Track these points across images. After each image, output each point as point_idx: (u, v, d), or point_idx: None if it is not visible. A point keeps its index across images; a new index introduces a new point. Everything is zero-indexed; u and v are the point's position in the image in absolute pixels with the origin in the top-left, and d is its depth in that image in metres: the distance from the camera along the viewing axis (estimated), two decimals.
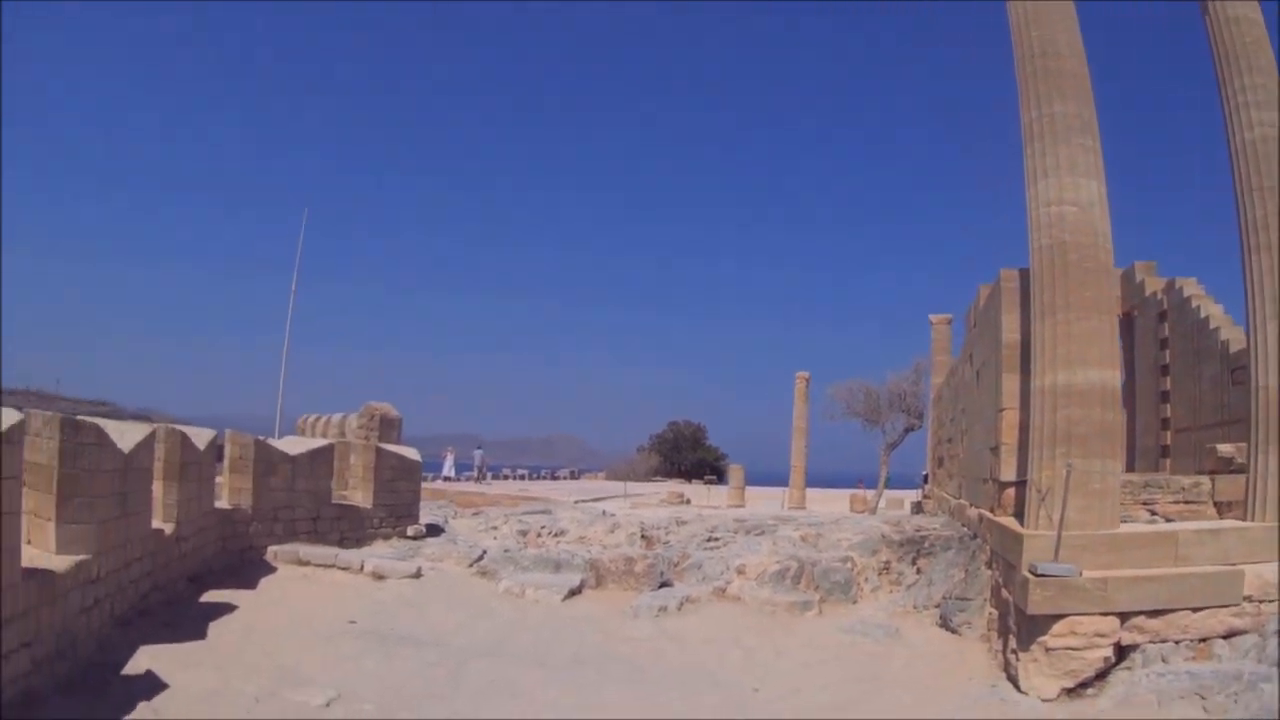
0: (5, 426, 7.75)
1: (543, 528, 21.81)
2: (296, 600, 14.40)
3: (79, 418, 10.15)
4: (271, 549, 16.91)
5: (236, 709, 9.08)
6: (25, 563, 8.52)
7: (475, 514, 25.15)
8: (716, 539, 19.14)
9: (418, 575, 16.63)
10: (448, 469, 49.58)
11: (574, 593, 16.02)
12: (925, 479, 34.17)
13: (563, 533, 21.52)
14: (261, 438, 17.84)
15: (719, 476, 65.87)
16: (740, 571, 16.19)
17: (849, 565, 16.43)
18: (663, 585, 16.42)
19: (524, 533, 21.46)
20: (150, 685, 9.35)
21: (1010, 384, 12.86)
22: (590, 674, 11.56)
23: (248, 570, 15.81)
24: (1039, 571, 10.34)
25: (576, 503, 30.14)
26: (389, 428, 30.25)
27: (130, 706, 8.62)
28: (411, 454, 21.30)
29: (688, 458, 79.40)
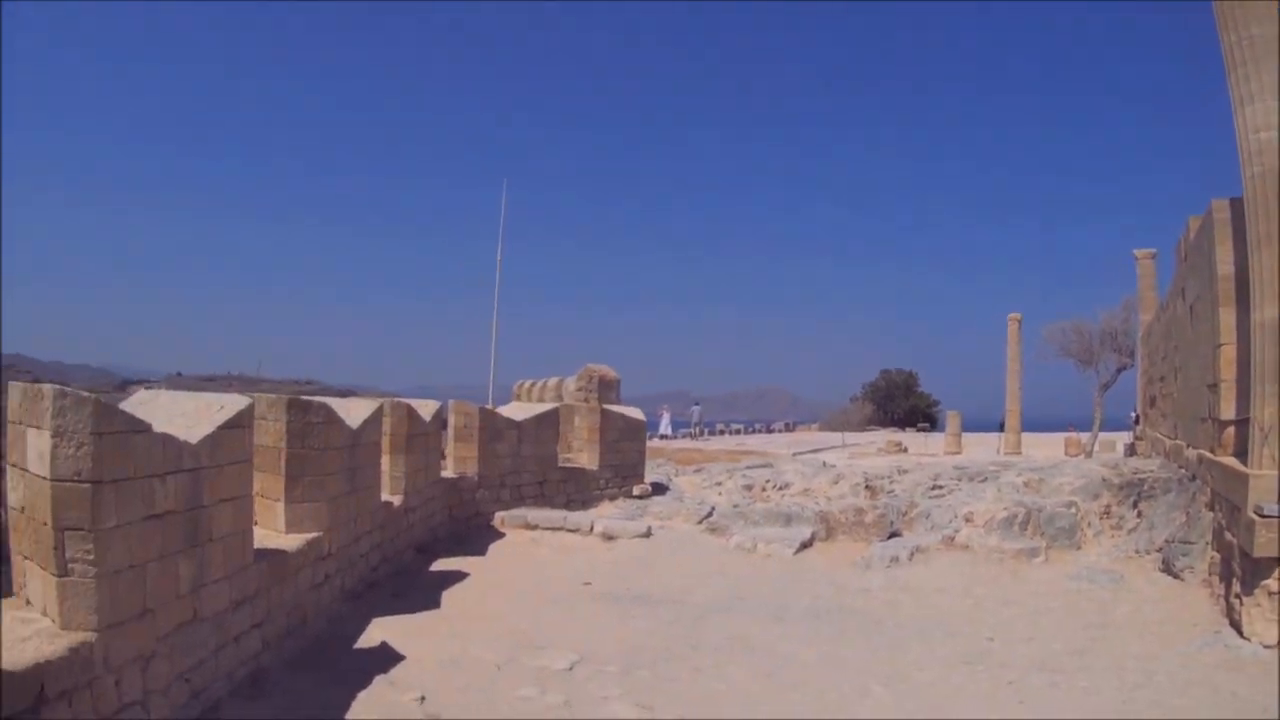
0: (234, 412, 7.61)
1: (767, 481, 21.28)
2: (527, 565, 14.30)
3: (306, 398, 10.05)
4: (499, 515, 16.89)
5: (478, 677, 8.80)
6: (255, 543, 8.44)
7: (697, 470, 24.85)
8: (940, 487, 18.36)
9: (648, 534, 16.33)
10: (664, 427, 49.25)
11: (805, 546, 15.46)
12: (1135, 420, 32.13)
13: (787, 486, 20.96)
14: (486, 406, 17.81)
15: (932, 424, 63.83)
16: (968, 519, 15.45)
17: (1073, 510, 15.55)
18: (892, 535, 15.80)
19: (748, 487, 21.01)
20: (385, 657, 9.16)
21: (1227, 318, 11.85)
22: (827, 627, 11.16)
23: (475, 537, 15.83)
24: (1265, 513, 9.39)
25: (795, 455, 29.46)
26: (608, 389, 30.03)
27: (366, 680, 8.38)
28: (635, 414, 21.18)
29: (900, 406, 76.84)
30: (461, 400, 17.33)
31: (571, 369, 31.87)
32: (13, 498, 6.13)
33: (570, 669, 9.17)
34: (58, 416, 5.63)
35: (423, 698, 8.04)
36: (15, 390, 6.01)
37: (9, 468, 6.15)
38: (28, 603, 6.08)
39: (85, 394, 5.75)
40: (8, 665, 5.07)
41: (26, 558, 6.06)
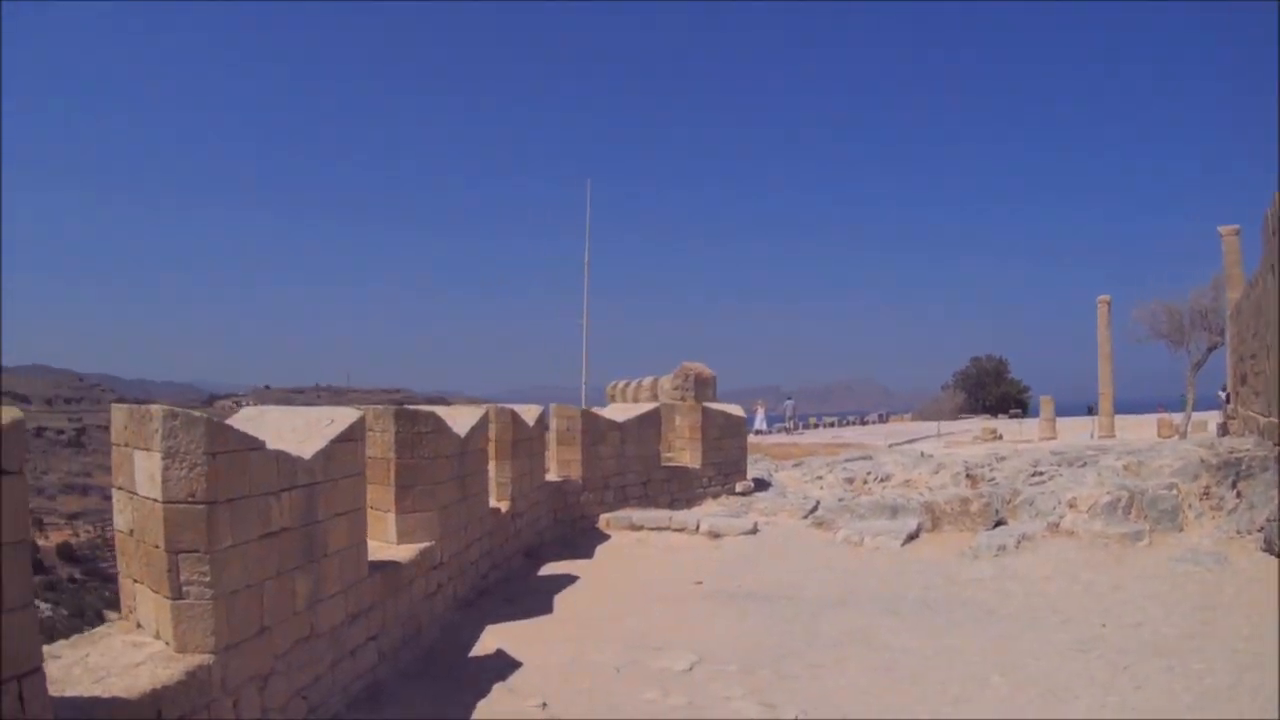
0: (346, 425, 7.40)
1: (868, 474, 20.94)
2: (635, 566, 14.06)
3: (414, 407, 9.86)
4: (604, 516, 16.65)
5: (598, 681, 8.58)
6: (369, 556, 8.23)
7: (796, 465, 24.60)
8: (1041, 473, 17.72)
9: (754, 531, 15.97)
10: (759, 422, 48.48)
11: (911, 537, 15.07)
12: (1226, 398, 30.89)
13: (887, 478, 20.57)
14: (587, 408, 17.58)
15: (1023, 410, 62.20)
16: (1071, 505, 14.93)
17: (1174, 492, 14.89)
18: (997, 524, 15.31)
19: (850, 480, 20.70)
20: (502, 664, 8.94)
21: None
22: (940, 618, 10.90)
23: (581, 540, 15.61)
24: None
25: (891, 446, 28.94)
26: (704, 386, 29.60)
27: (484, 688, 8.19)
28: (735, 410, 20.97)
29: (991, 393, 74.89)
30: (562, 404, 17.10)
31: (658, 368, 31.49)
32: (120, 521, 5.95)
33: (690, 670, 8.95)
34: (168, 438, 5.42)
35: (544, 704, 7.85)
36: (120, 412, 5.81)
37: (115, 491, 5.96)
38: (138, 626, 5.90)
39: (196, 414, 5.53)
40: (123, 693, 4.89)
41: (136, 581, 5.87)
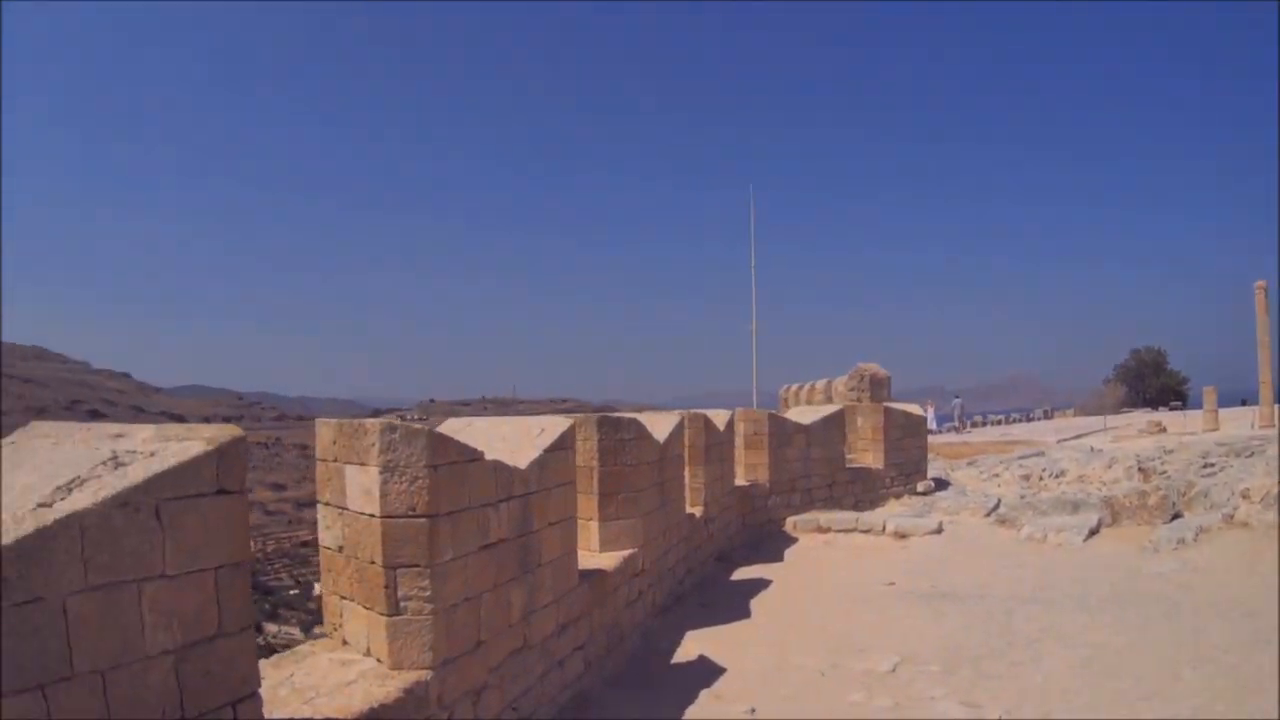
0: (557, 434, 6.88)
1: (1043, 470, 19.90)
2: (826, 568, 13.38)
3: (616, 415, 9.32)
4: (790, 519, 16.00)
5: (803, 684, 8.10)
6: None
7: (970, 464, 23.68)
8: (1211, 464, 16.72)
9: (939, 531, 15.21)
10: (929, 422, 46.70)
11: (1093, 532, 14.28)
12: None
13: (1062, 473, 19.49)
14: (772, 412, 16.86)
15: (1183, 402, 58.28)
16: (1244, 496, 13.87)
17: None
18: (1174, 517, 14.45)
19: (1026, 477, 19.80)
20: (706, 670, 8.41)
21: None
22: (1129, 613, 10.23)
23: (769, 543, 14.96)
24: None
25: (1059, 442, 27.38)
26: (879, 387, 28.46)
27: (690, 695, 7.74)
28: (915, 410, 20.29)
29: (1151, 385, 69.88)
30: (747, 408, 16.44)
31: (825, 371, 30.46)
32: (327, 538, 5.50)
33: (893, 670, 8.47)
34: (386, 451, 4.94)
35: (753, 710, 7.40)
36: (328, 428, 5.35)
37: (321, 507, 5.50)
38: (344, 643, 5.45)
39: (417, 426, 5.03)
40: (337, 713, 4.42)
41: (344, 598, 5.42)
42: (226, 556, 3.64)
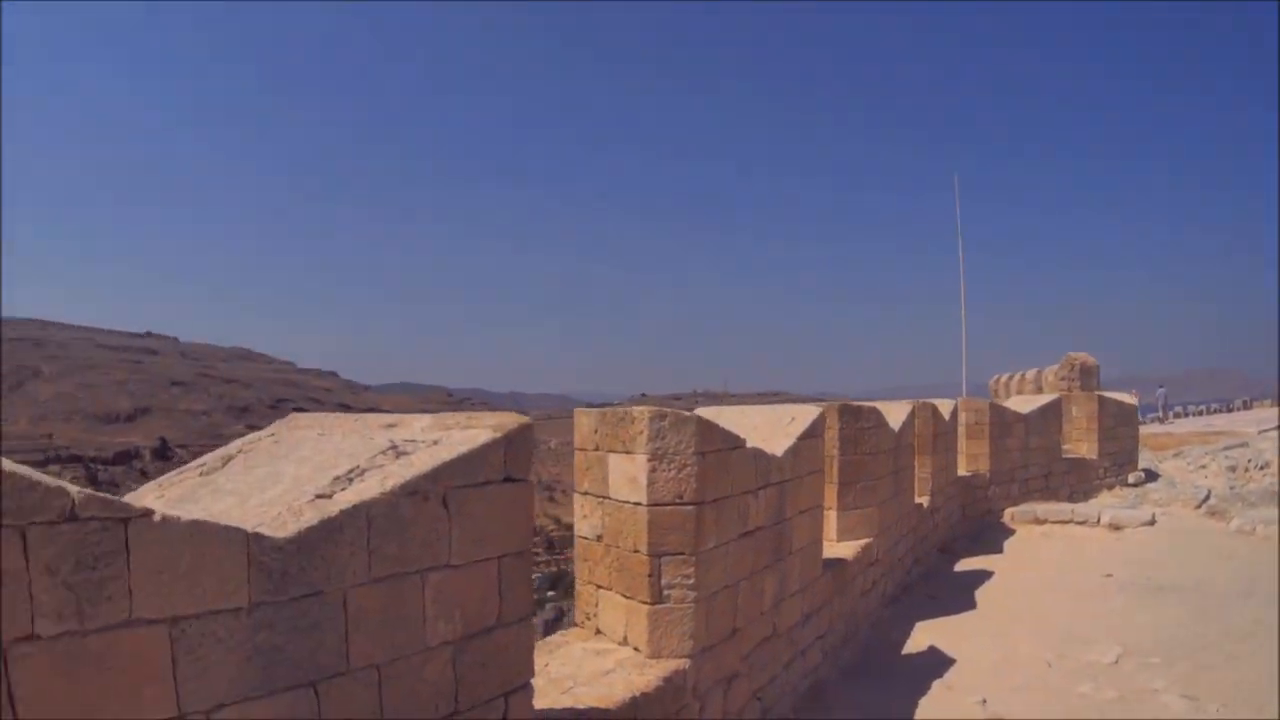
0: (808, 422, 6.44)
1: (1249, 461, 18.56)
2: (1045, 560, 12.55)
3: (857, 403, 8.78)
4: (1008, 510, 15.08)
5: (1032, 676, 7.69)
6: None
7: (1175, 455, 21.93)
8: None
9: (1152, 523, 14.21)
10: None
11: None
12: None
13: (1266, 465, 18.06)
14: (993, 401, 15.90)
15: None
16: None
17: None
18: None
19: (1232, 468, 18.41)
20: (936, 661, 7.97)
21: None
22: None
23: (987, 534, 14.06)
24: None
25: (1260, 433, 24.97)
26: (1089, 376, 26.80)
27: (923, 685, 7.36)
28: (1129, 399, 19.08)
29: None
30: (970, 397, 15.53)
31: (1028, 362, 29.03)
32: (584, 527, 5.23)
33: (1115, 662, 8.07)
34: (655, 439, 4.62)
35: (984, 701, 7.04)
36: (589, 416, 5.06)
37: (579, 497, 5.22)
38: (597, 632, 5.19)
39: (686, 414, 4.67)
40: (599, 702, 4.16)
41: (600, 587, 5.15)
42: (510, 545, 3.39)
